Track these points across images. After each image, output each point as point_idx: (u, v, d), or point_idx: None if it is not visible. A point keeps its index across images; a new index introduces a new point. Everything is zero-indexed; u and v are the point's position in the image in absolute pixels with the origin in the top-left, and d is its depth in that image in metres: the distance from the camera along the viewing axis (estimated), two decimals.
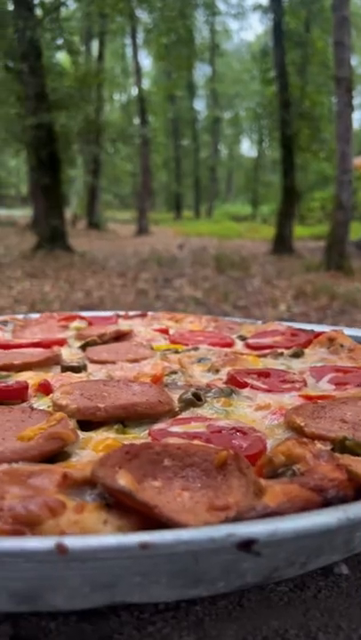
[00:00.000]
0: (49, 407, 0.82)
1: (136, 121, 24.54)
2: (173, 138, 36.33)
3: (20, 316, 1.50)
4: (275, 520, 0.49)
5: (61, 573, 0.45)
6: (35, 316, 1.52)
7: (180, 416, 0.81)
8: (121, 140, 18.89)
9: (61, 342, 1.23)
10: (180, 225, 29.33)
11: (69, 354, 1.17)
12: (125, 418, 0.78)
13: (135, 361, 1.08)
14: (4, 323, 1.43)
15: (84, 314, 1.51)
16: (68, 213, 19.38)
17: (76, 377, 0.99)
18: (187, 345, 1.24)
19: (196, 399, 0.84)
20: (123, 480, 0.54)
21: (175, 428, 0.74)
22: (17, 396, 0.86)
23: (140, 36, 19.85)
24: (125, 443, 0.70)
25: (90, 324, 1.40)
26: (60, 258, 13.94)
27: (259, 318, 7.30)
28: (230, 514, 0.51)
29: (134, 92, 27.57)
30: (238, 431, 0.74)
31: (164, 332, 1.36)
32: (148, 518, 0.51)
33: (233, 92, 37.68)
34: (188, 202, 43.08)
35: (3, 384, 0.86)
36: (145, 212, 22.82)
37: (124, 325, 1.43)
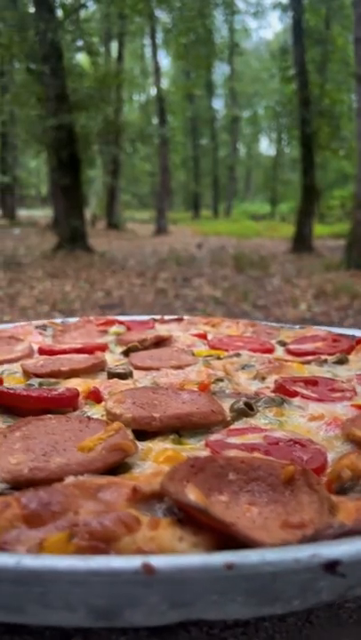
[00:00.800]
0: (102, 416, 0.82)
1: (155, 121, 24.60)
2: (192, 137, 36.32)
3: (59, 321, 1.51)
4: (355, 540, 0.48)
5: (143, 591, 0.45)
6: (72, 320, 1.53)
7: (233, 426, 0.81)
8: (140, 140, 18.94)
9: (103, 348, 1.23)
10: (198, 224, 29.31)
11: (112, 359, 1.17)
12: (180, 428, 0.77)
13: (179, 367, 1.08)
14: (44, 327, 1.44)
15: (121, 318, 1.51)
16: (88, 214, 19.48)
17: (122, 384, 0.99)
18: (227, 351, 1.23)
19: (249, 409, 0.84)
20: (193, 495, 0.54)
21: (232, 440, 0.73)
22: (69, 404, 0.86)
23: (160, 36, 19.89)
24: (184, 454, 0.70)
25: (128, 328, 1.40)
26: (81, 258, 14.04)
27: (279, 318, 7.26)
28: (307, 532, 0.51)
29: (153, 92, 27.67)
30: (296, 443, 0.73)
31: (203, 337, 1.35)
32: (221, 534, 0.51)
33: (252, 91, 37.53)
34: (207, 201, 43.03)
35: (55, 392, 0.87)
36: (164, 212, 22.85)
37: (161, 330, 1.43)
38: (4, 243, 17.64)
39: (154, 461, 0.67)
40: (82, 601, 0.47)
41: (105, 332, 1.40)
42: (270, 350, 1.25)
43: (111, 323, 1.45)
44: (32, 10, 14.24)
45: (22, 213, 32.25)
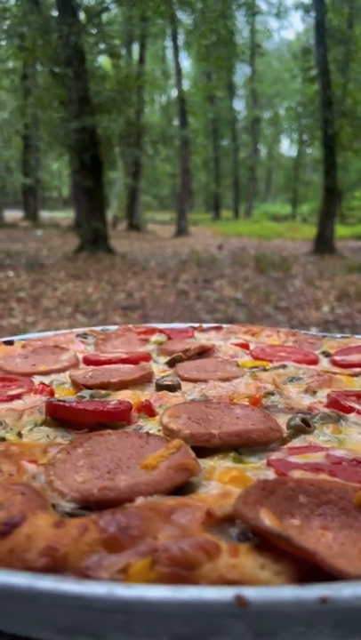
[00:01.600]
0: (159, 431, 0.82)
1: (176, 122, 24.61)
2: (213, 138, 36.30)
3: (99, 329, 1.51)
4: None
5: (230, 621, 0.45)
6: (112, 328, 1.53)
7: (291, 444, 0.80)
8: (161, 141, 18.97)
9: (147, 357, 1.23)
10: (218, 225, 29.27)
11: (157, 370, 1.16)
12: (238, 445, 0.77)
13: (226, 379, 1.07)
14: (85, 336, 1.44)
15: (160, 326, 1.51)
16: (109, 215, 19.59)
17: (171, 396, 0.98)
18: (271, 361, 1.22)
19: (305, 425, 0.83)
20: (268, 520, 0.54)
21: (294, 459, 0.72)
22: (124, 417, 0.86)
23: (181, 38, 19.89)
24: (249, 474, 0.69)
25: (169, 337, 1.40)
26: (102, 259, 14.12)
27: (302, 320, 7.19)
28: None
29: (174, 93, 27.68)
30: (360, 463, 0.72)
31: (245, 346, 1.34)
32: (300, 560, 0.50)
33: (273, 92, 37.38)
34: (227, 202, 42.95)
35: (110, 406, 0.86)
36: (184, 213, 22.87)
37: (201, 339, 1.43)
38: (27, 244, 17.83)
39: (219, 481, 0.67)
40: (166, 630, 0.46)
41: (146, 341, 1.40)
42: (315, 361, 1.24)
43: (151, 331, 1.45)
44: (55, 13, 14.38)
45: (44, 215, 32.57)
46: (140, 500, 0.59)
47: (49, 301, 9.46)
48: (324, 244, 17.33)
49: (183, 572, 0.48)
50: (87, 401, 0.92)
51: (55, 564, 0.48)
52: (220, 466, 0.71)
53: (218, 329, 1.52)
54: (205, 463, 0.72)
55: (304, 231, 24.29)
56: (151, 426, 0.85)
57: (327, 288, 11.30)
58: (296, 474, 0.67)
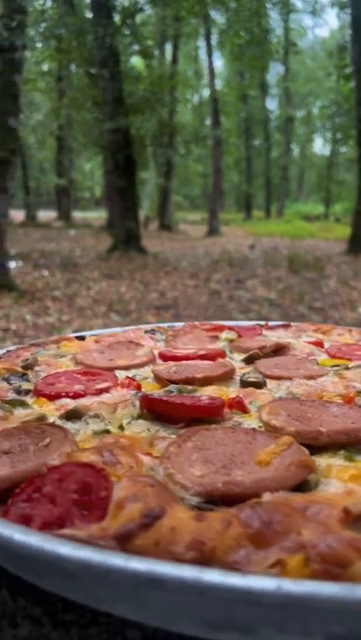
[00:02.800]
0: (260, 427, 0.81)
1: (208, 122, 24.61)
2: (245, 138, 36.15)
3: (165, 325, 1.51)
4: None
5: None
6: (178, 324, 1.52)
7: None
8: (194, 141, 18.99)
9: (222, 354, 1.22)
10: (250, 225, 29.13)
11: (235, 367, 1.15)
12: (346, 443, 0.75)
13: (311, 377, 1.05)
14: (153, 332, 1.44)
15: (227, 323, 1.50)
16: (141, 215, 19.71)
17: (258, 393, 0.97)
18: (350, 360, 1.19)
19: None
20: None
21: None
22: (218, 413, 0.85)
23: (214, 38, 19.86)
24: None
25: (239, 335, 1.39)
26: (135, 259, 14.20)
27: (337, 321, 7.10)
28: None
29: (206, 93, 27.66)
30: None
31: (319, 344, 1.32)
32: None
33: (306, 90, 37.00)
34: (259, 202, 42.72)
35: (206, 401, 0.86)
36: (216, 213, 22.83)
37: (271, 337, 1.41)
38: (61, 244, 18.07)
39: (338, 479, 0.65)
40: (321, 627, 0.45)
41: (215, 338, 1.39)
42: None
43: (220, 329, 1.43)
44: (90, 15, 14.53)
45: (77, 215, 32.95)
46: (267, 496, 0.58)
47: (83, 300, 9.56)
48: (358, 243, 17.05)
49: (335, 569, 0.47)
50: (181, 396, 0.91)
51: (203, 558, 0.48)
52: (334, 464, 0.69)
53: (286, 326, 1.50)
54: (317, 461, 0.70)
55: (337, 231, 23.96)
56: (249, 422, 0.84)
57: None
58: None
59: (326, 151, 41.51)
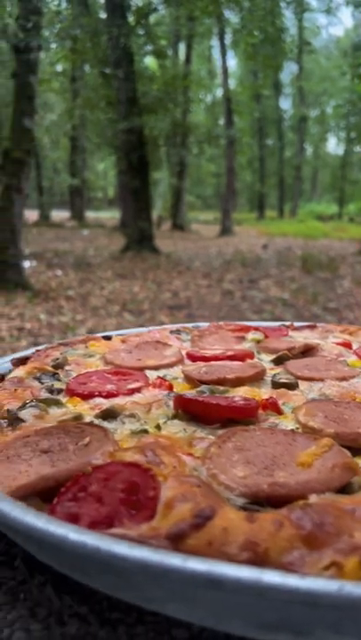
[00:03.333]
0: (297, 428, 0.81)
1: (221, 122, 24.57)
2: (258, 137, 36.02)
3: (190, 325, 1.51)
4: None
5: None
6: (203, 325, 1.52)
7: None
8: (207, 141, 18.96)
9: (251, 355, 1.22)
10: (263, 225, 29.04)
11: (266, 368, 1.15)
12: None
13: (343, 379, 1.04)
14: (178, 332, 1.44)
15: (253, 324, 1.50)
16: (154, 215, 19.75)
17: (291, 394, 0.97)
18: None
19: None
20: None
21: None
22: (253, 414, 0.85)
23: (228, 37, 19.83)
24: None
25: (265, 335, 1.38)
26: (148, 259, 14.22)
27: (352, 321, 7.05)
28: None
29: (219, 92, 27.64)
30: None
31: (348, 345, 1.31)
32: None
33: (320, 90, 36.78)
34: (271, 201, 42.56)
35: (242, 402, 0.86)
36: (229, 213, 22.78)
37: (297, 337, 1.40)
38: (74, 243, 18.15)
39: None
40: None
41: (242, 339, 1.38)
42: None
43: (245, 329, 1.43)
44: (104, 15, 14.57)
45: (90, 215, 33.07)
46: (313, 498, 0.58)
47: (97, 300, 9.60)
48: None
49: None
50: (215, 396, 0.91)
51: (257, 559, 0.48)
52: None
53: (312, 327, 1.49)
54: (358, 463, 0.70)
55: (351, 231, 23.82)
56: (286, 423, 0.84)
57: None
58: None
59: (340, 150, 41.29)
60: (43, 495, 0.63)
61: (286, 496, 0.59)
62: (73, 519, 0.56)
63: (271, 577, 0.42)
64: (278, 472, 0.65)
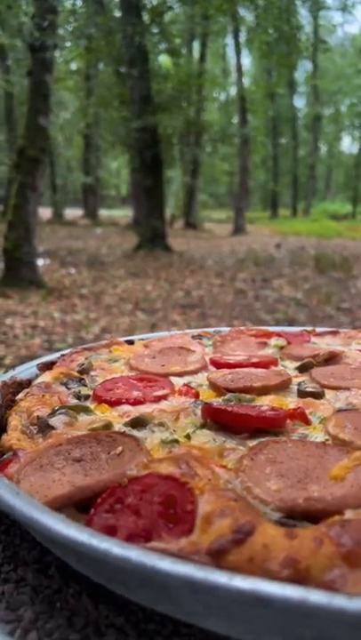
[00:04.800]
0: (327, 440, 0.81)
1: (235, 120, 24.52)
2: (272, 136, 35.90)
3: (211, 330, 1.52)
4: None
5: None
6: (224, 329, 1.53)
7: None
8: (221, 140, 18.94)
9: (275, 362, 1.22)
10: (276, 224, 28.94)
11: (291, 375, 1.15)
12: None
13: None
14: (200, 337, 1.45)
15: (275, 329, 1.50)
16: (167, 213, 19.77)
17: (318, 403, 0.97)
18: None
19: None
20: None
21: None
22: (282, 424, 0.85)
23: (243, 35, 19.76)
24: None
25: (288, 342, 1.38)
26: (160, 257, 14.24)
27: None
28: None
29: (233, 91, 27.57)
30: None
31: None
32: None
33: (335, 88, 36.54)
34: (285, 200, 42.40)
35: (271, 412, 0.86)
36: (242, 212, 22.75)
37: (320, 344, 1.40)
38: (87, 242, 18.22)
39: None
40: None
41: (264, 345, 1.38)
42: None
43: (268, 335, 1.43)
44: (119, 14, 14.60)
45: (103, 213, 33.17)
46: (349, 514, 0.58)
47: (110, 298, 9.63)
48: None
49: None
50: (244, 406, 0.92)
51: (298, 576, 0.48)
52: None
53: (334, 333, 1.49)
54: None
55: None
56: (315, 434, 0.84)
57: None
58: None
59: (355, 149, 41.02)
60: (77, 504, 0.64)
61: (323, 511, 0.59)
62: (110, 531, 0.57)
63: (318, 597, 0.42)
64: (312, 485, 0.65)
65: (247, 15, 16.61)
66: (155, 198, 14.51)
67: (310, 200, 39.12)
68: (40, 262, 11.05)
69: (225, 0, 14.64)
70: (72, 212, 31.36)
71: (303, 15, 18.16)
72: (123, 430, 0.83)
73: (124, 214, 31.16)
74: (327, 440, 0.81)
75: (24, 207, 9.18)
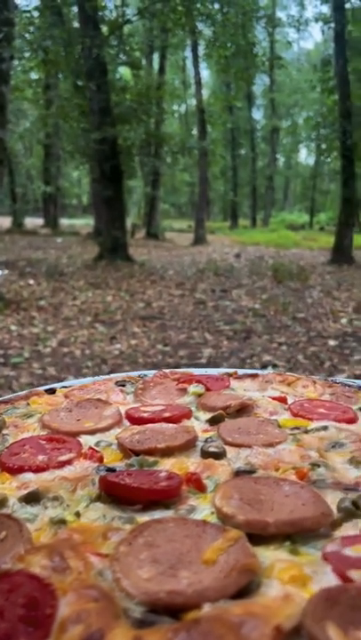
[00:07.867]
0: (212, 513, 0.84)
1: (195, 132, 24.76)
2: (231, 147, 36.41)
3: (136, 374, 1.54)
4: None
5: None
6: (150, 373, 1.55)
7: (344, 529, 0.80)
8: (181, 152, 19.10)
9: (188, 415, 1.25)
10: (236, 234, 29.31)
11: (199, 428, 1.18)
12: (292, 533, 0.78)
13: (270, 445, 1.08)
14: (123, 383, 1.47)
15: (195, 372, 1.53)
16: (128, 223, 19.78)
17: (218, 465, 1.00)
18: (311, 419, 1.23)
19: (356, 508, 0.84)
20: (335, 638, 0.55)
21: (349, 551, 0.73)
22: (175, 495, 0.88)
23: (201, 49, 20.03)
24: (306, 571, 0.70)
25: (207, 389, 1.42)
26: (121, 268, 14.22)
27: (320, 331, 7.14)
28: None
29: (193, 103, 27.82)
30: None
31: (283, 400, 1.35)
32: None
33: (292, 101, 37.43)
34: (244, 210, 43.01)
35: (163, 483, 0.88)
36: (202, 222, 22.96)
37: (238, 389, 1.44)
38: (47, 252, 18.05)
39: (279, 580, 0.68)
40: None
41: (184, 391, 1.42)
42: (353, 420, 1.24)
43: (189, 380, 1.46)
44: (77, 26, 14.58)
45: (64, 222, 32.89)
46: (207, 608, 0.61)
47: (69, 310, 9.55)
48: (342, 254, 17.27)
49: None
50: (139, 474, 0.94)
51: None
52: (277, 559, 0.72)
53: (253, 377, 1.53)
54: (262, 555, 0.73)
55: (321, 240, 24.22)
56: (203, 506, 0.87)
57: (345, 299, 11.27)
58: (354, 574, 0.68)
59: (311, 161, 42.03)
60: None
61: (182, 605, 0.62)
62: None
63: None
64: (183, 571, 0.68)
65: (205, 29, 16.86)
66: (115, 209, 14.50)
67: (269, 210, 39.82)
68: None
69: (183, 14, 14.83)
70: (32, 222, 31.00)
71: (259, 31, 18.56)
72: (11, 511, 0.84)
73: (85, 223, 30.98)
74: (212, 512, 0.84)
75: None
